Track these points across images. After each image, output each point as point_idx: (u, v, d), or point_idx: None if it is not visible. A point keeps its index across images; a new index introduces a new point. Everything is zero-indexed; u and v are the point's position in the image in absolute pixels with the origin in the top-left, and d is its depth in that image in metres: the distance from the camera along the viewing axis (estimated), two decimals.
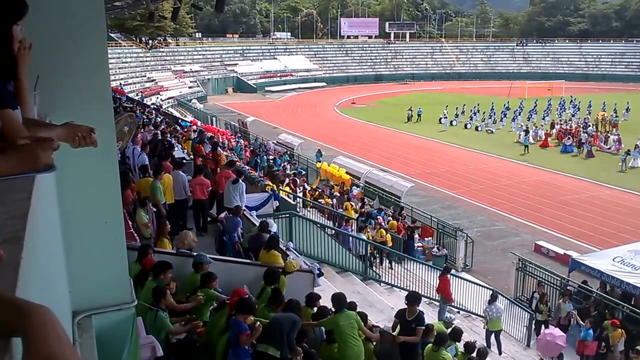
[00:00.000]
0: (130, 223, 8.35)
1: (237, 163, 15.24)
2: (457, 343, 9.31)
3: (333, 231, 15.45)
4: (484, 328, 13.05)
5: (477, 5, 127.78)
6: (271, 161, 26.07)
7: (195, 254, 7.73)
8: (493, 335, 12.65)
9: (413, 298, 8.22)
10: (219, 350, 6.06)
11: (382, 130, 44.94)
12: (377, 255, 16.13)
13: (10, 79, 1.72)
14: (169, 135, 19.06)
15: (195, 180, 11.12)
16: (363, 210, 19.84)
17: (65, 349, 0.91)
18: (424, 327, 7.94)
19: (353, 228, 16.43)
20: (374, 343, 7.74)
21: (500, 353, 12.46)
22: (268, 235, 9.43)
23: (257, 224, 10.12)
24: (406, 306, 8.08)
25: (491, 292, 13.57)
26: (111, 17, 36.43)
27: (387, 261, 16.16)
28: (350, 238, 15.28)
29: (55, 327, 0.93)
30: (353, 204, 20.75)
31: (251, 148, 28.97)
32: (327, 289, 9.86)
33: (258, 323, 5.95)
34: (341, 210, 19.38)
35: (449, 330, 9.50)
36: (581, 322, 12.63)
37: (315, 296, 7.82)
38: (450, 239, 18.74)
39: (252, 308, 6.17)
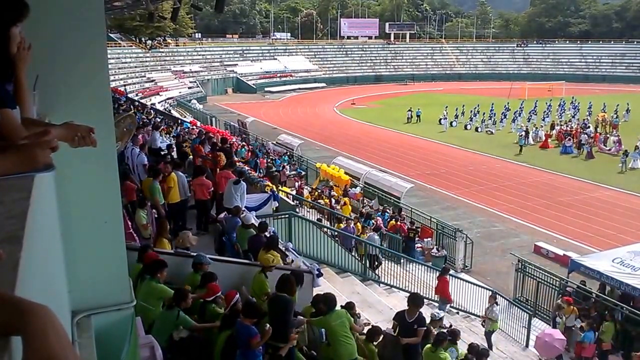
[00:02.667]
0: (129, 223, 8.36)
1: (237, 163, 15.24)
2: (457, 345, 9.30)
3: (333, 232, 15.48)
4: (486, 329, 13.00)
5: (478, 6, 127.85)
6: (270, 162, 26.06)
7: (194, 254, 7.74)
8: (492, 335, 12.69)
9: (417, 299, 8.19)
10: (217, 347, 6.08)
11: (381, 131, 44.95)
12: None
13: (9, 79, 1.73)
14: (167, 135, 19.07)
15: (196, 180, 11.13)
16: (362, 210, 19.85)
17: (65, 348, 0.91)
18: (424, 329, 7.95)
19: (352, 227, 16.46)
20: (375, 344, 7.74)
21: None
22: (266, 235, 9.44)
23: (256, 225, 10.10)
24: (408, 307, 8.06)
25: (491, 292, 13.58)
26: (111, 17, 36.45)
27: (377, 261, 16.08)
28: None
29: (55, 327, 0.93)
30: (348, 199, 20.83)
31: (250, 149, 28.93)
32: (327, 290, 9.86)
33: (268, 326, 6.05)
34: (339, 208, 19.41)
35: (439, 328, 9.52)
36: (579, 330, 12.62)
37: (322, 298, 7.83)
38: (450, 240, 18.74)
39: (259, 312, 6.22)
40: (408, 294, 13.68)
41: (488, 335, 12.68)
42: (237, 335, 6.00)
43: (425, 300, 13.83)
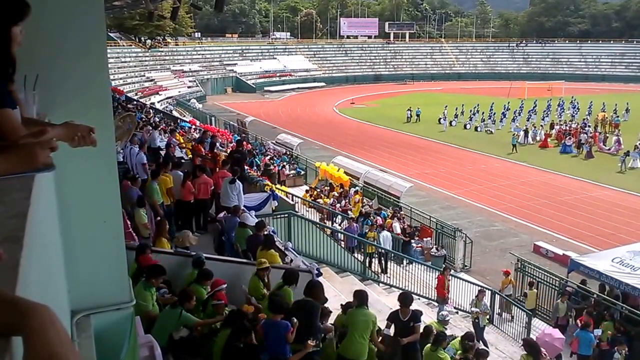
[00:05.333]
0: (128, 223, 8.35)
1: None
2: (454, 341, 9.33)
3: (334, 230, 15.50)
4: (482, 325, 13.01)
5: (477, 6, 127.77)
6: (268, 160, 26.06)
7: (193, 253, 7.75)
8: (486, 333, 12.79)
9: (406, 299, 8.11)
10: (217, 345, 6.09)
11: (381, 131, 44.95)
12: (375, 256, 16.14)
13: (10, 79, 1.72)
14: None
15: (199, 180, 11.09)
16: (362, 210, 19.86)
17: (66, 347, 0.91)
18: (420, 323, 7.97)
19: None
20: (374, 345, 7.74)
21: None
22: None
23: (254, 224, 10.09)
24: (399, 307, 8.06)
25: (480, 288, 13.65)
26: (110, 16, 36.43)
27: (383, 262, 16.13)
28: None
29: (55, 326, 0.93)
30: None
31: (250, 149, 28.92)
32: (326, 289, 9.84)
33: (295, 319, 6.22)
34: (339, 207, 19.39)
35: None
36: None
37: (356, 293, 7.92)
38: (449, 239, 18.74)
39: (284, 306, 6.41)
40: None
41: (481, 331, 12.69)
42: (266, 333, 6.17)
43: (425, 299, 13.96)
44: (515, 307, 14.57)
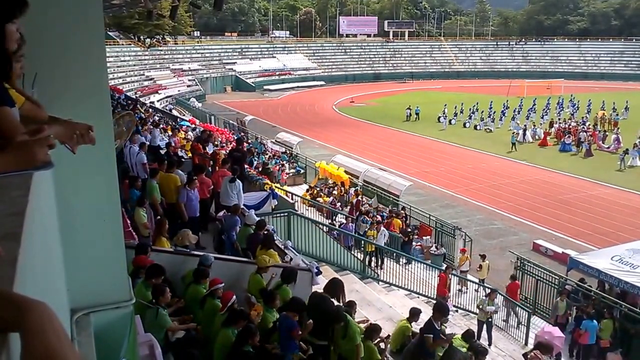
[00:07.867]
0: (128, 222, 8.34)
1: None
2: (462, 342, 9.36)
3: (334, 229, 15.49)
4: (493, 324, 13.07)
5: (476, 4, 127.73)
6: (266, 159, 26.04)
7: (199, 253, 7.76)
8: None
9: (444, 310, 8.80)
10: (218, 344, 6.08)
11: (380, 129, 44.94)
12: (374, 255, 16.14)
13: (6, 78, 1.71)
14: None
15: (198, 179, 11.07)
16: (362, 209, 19.86)
17: (64, 344, 0.91)
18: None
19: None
20: (374, 342, 7.75)
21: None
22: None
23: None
24: (434, 315, 8.50)
25: (490, 289, 13.67)
26: (109, 15, 36.40)
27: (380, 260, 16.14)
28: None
29: (53, 323, 0.93)
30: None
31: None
32: None
33: (310, 321, 6.51)
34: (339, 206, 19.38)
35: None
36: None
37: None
38: (449, 238, 18.75)
39: (303, 306, 6.64)
40: (411, 294, 13.80)
41: (490, 329, 12.75)
42: (279, 326, 6.42)
43: (424, 298, 13.97)
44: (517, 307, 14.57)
